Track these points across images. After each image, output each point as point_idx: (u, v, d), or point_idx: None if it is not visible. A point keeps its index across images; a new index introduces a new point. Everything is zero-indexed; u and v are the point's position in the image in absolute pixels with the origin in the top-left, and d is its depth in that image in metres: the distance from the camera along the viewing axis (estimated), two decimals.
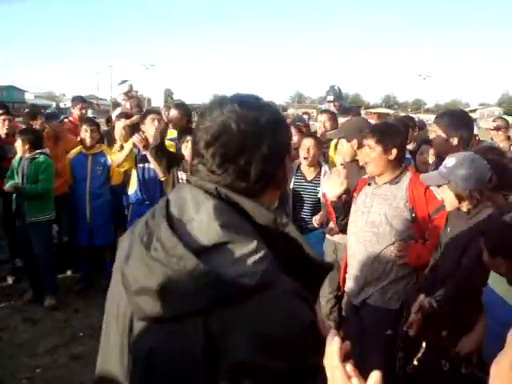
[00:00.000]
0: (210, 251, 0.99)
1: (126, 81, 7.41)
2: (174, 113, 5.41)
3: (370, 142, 3.04)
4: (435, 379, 2.67)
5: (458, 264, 2.54)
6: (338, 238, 4.03)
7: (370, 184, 3.19)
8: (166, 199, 1.14)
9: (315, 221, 4.28)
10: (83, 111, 6.73)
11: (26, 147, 4.92)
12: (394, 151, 3.02)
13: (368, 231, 3.10)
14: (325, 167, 4.45)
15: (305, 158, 4.37)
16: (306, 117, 9.83)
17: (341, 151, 4.09)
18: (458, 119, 3.24)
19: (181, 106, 5.67)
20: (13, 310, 4.99)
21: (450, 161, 2.56)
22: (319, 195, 4.33)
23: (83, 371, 3.72)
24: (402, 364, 3.02)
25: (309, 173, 4.46)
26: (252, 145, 1.08)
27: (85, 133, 5.35)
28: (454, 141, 3.13)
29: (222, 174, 1.08)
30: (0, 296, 5.31)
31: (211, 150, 1.08)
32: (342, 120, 5.21)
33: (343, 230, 3.46)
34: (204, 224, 1.02)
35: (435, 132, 3.27)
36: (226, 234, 1.00)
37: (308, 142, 4.42)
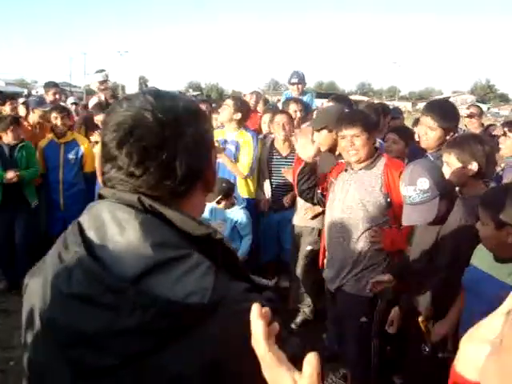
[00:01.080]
0: (147, 276, 0.86)
1: (102, 70, 7.34)
2: None
3: (353, 131, 3.02)
4: (415, 364, 2.71)
5: (431, 256, 2.60)
6: (316, 222, 4.07)
7: (346, 170, 3.19)
8: (77, 222, 0.98)
9: (286, 200, 4.33)
10: (57, 96, 6.54)
11: (13, 134, 4.86)
12: (375, 135, 3.12)
13: (344, 216, 3.11)
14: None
15: (279, 134, 4.42)
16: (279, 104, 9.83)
17: (319, 140, 4.04)
18: (449, 112, 3.24)
19: None
20: None
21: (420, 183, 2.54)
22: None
23: None
24: (377, 351, 3.07)
25: (283, 148, 4.47)
26: (173, 135, 0.94)
27: (55, 120, 5.28)
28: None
29: (142, 174, 0.93)
30: None
31: (126, 148, 0.92)
32: (321, 102, 5.21)
33: (306, 198, 3.51)
34: (133, 247, 0.89)
35: (426, 125, 3.18)
36: (161, 253, 0.88)
37: (281, 118, 4.42)
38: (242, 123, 4.70)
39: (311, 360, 0.73)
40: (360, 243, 3.06)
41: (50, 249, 1.05)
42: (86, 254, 0.90)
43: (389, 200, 3.01)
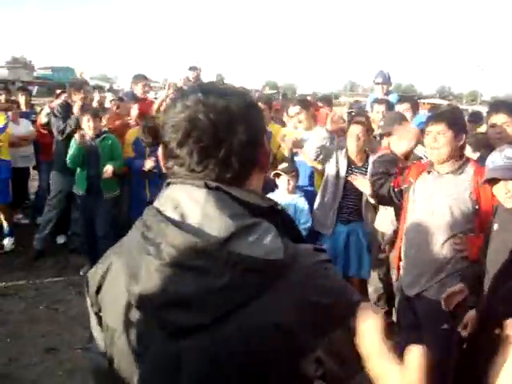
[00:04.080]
0: (230, 241, 0.94)
1: (195, 68, 7.56)
2: None
3: (438, 127, 2.94)
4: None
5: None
6: (384, 227, 3.99)
7: (429, 172, 3.10)
8: (153, 206, 1.04)
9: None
10: (146, 88, 6.61)
11: (94, 126, 5.06)
12: (463, 137, 2.96)
13: (427, 221, 3.03)
14: (372, 156, 4.33)
15: (353, 146, 4.29)
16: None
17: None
18: None
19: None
20: (68, 284, 5.16)
21: None
22: None
23: None
24: (455, 359, 2.96)
25: (357, 160, 4.38)
26: (227, 134, 1.00)
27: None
28: None
29: (203, 170, 1.01)
30: (56, 270, 5.52)
31: (186, 149, 1.00)
32: (398, 108, 5.11)
33: (377, 184, 3.48)
34: (213, 218, 0.96)
35: (503, 122, 3.15)
36: (239, 221, 0.96)
37: (357, 129, 4.30)
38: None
39: (416, 354, 0.82)
40: (444, 249, 2.97)
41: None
42: (172, 227, 0.96)
43: (477, 207, 2.90)
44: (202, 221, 0.96)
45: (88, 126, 5.04)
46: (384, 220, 4.19)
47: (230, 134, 1.00)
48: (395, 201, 3.40)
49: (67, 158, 5.09)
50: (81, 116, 5.17)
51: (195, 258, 0.92)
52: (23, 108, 6.95)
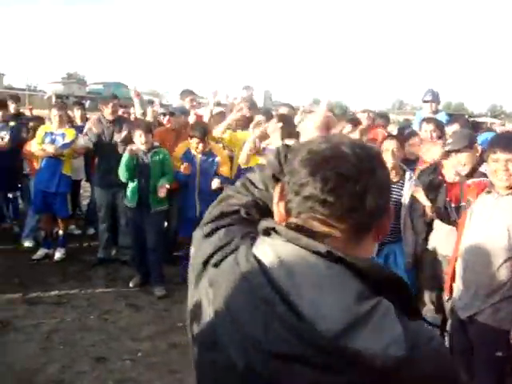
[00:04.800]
0: (349, 331, 0.87)
1: (249, 87, 7.75)
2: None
3: (510, 155, 2.87)
4: None
5: None
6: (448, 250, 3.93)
7: (489, 192, 3.04)
8: (254, 256, 0.99)
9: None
10: (193, 103, 6.74)
11: (146, 140, 5.17)
12: None
13: (485, 243, 2.95)
14: (409, 172, 4.27)
15: (387, 162, 4.18)
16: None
17: (456, 163, 3.91)
18: None
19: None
20: (118, 295, 5.27)
21: None
22: (402, 199, 4.17)
23: (180, 360, 3.87)
24: None
25: (393, 175, 4.24)
26: (368, 169, 0.95)
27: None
28: None
29: (334, 202, 0.92)
30: (107, 281, 5.65)
31: (321, 174, 0.93)
32: (448, 128, 5.05)
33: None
34: (331, 300, 0.89)
35: None
36: (359, 306, 0.88)
37: (391, 145, 4.21)
38: None
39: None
40: (500, 272, 2.89)
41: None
42: (280, 300, 0.91)
43: None
44: (318, 302, 0.90)
45: (140, 141, 5.16)
46: (446, 242, 4.10)
47: (370, 170, 0.96)
48: (452, 217, 3.37)
49: (119, 171, 5.23)
50: (133, 130, 5.32)
51: (306, 351, 0.87)
52: (78, 122, 7.22)
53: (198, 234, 1.21)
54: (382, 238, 1.06)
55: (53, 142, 5.96)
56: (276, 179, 1.25)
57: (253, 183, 1.33)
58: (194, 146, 5.38)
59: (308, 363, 0.87)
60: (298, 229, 0.97)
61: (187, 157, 5.45)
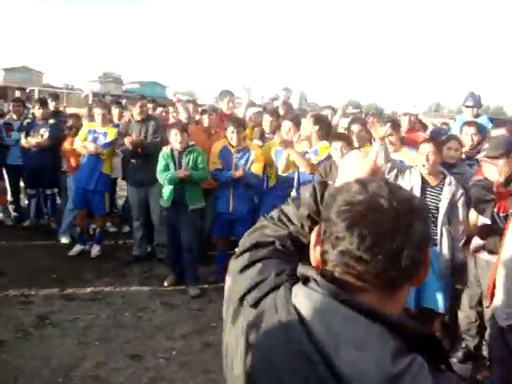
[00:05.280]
0: None
1: (288, 89, 7.97)
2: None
3: None
4: None
5: None
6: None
7: None
8: (293, 306, 0.98)
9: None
10: (230, 104, 6.74)
11: (181, 139, 5.18)
12: None
13: None
14: (449, 177, 4.14)
15: (423, 166, 4.08)
16: (445, 127, 9.40)
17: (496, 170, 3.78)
18: None
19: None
20: (152, 293, 5.29)
21: None
22: (441, 204, 4.05)
23: (214, 359, 3.84)
24: None
25: (431, 180, 4.14)
26: (405, 225, 0.93)
27: (231, 134, 5.40)
28: None
29: (370, 261, 0.91)
30: (141, 279, 5.69)
31: (358, 230, 0.92)
32: (494, 132, 4.91)
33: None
34: (371, 362, 0.88)
35: None
36: (396, 365, 0.87)
37: (427, 148, 4.08)
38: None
39: None
40: None
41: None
42: (320, 357, 0.90)
43: None
44: (357, 361, 0.88)
45: (175, 140, 5.19)
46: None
47: (407, 226, 0.93)
48: (500, 225, 3.28)
49: (157, 173, 5.28)
50: (169, 130, 5.34)
51: None
52: (115, 120, 7.31)
53: (233, 266, 1.23)
54: (419, 284, 1.03)
55: (95, 140, 6.09)
56: (311, 219, 1.27)
57: (288, 217, 1.33)
58: (229, 135, 5.40)
59: None
60: (335, 280, 0.97)
61: (224, 154, 5.46)
